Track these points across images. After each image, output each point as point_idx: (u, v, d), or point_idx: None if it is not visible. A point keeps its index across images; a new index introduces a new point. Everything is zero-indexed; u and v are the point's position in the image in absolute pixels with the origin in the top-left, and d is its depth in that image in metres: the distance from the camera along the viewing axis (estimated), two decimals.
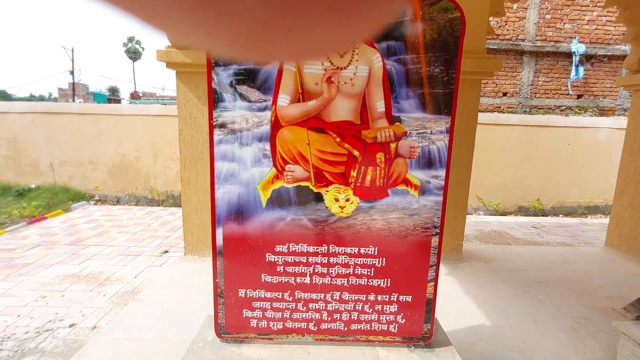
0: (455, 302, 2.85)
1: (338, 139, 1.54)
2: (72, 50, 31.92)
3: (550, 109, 9.58)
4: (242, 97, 1.51)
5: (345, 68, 1.48)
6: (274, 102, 1.51)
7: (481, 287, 3.18)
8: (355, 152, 1.55)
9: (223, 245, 1.64)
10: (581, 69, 8.97)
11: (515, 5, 8.93)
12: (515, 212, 7.73)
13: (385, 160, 1.55)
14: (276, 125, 1.53)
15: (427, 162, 1.56)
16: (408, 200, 1.60)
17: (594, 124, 7.52)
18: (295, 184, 1.58)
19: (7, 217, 5.55)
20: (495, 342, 2.37)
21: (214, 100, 1.51)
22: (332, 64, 1.48)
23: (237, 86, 1.51)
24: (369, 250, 1.65)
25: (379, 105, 1.51)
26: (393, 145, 1.54)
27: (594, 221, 7.05)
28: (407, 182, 1.58)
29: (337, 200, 1.60)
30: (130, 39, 43.50)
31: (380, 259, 1.66)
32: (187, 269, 3.41)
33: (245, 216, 1.60)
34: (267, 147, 1.54)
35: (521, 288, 3.21)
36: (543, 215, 7.70)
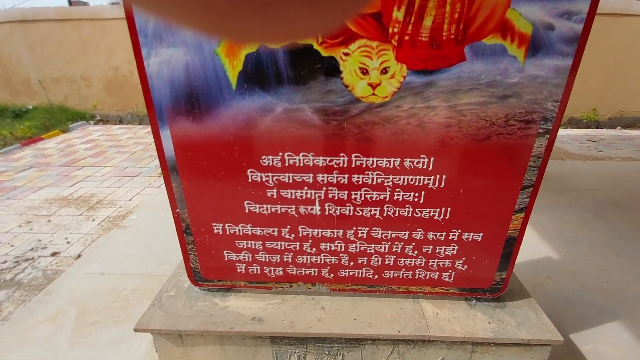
0: None
1: None
2: None
3: None
4: None
5: None
6: None
7: (542, 210, 2.54)
8: None
9: (176, 157, 1.00)
10: None
11: None
12: (565, 124, 6.67)
13: None
14: None
15: None
16: (502, 67, 0.83)
17: None
18: (287, 42, 0.83)
19: (1, 138, 5.17)
20: (569, 280, 1.81)
21: None
22: None
23: None
24: (419, 163, 0.97)
25: None
26: None
27: None
28: (505, 28, 0.80)
29: (365, 72, 0.86)
30: None
31: (438, 177, 0.98)
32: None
33: (205, 106, 0.91)
34: None
35: (592, 211, 2.55)
36: (597, 128, 6.63)
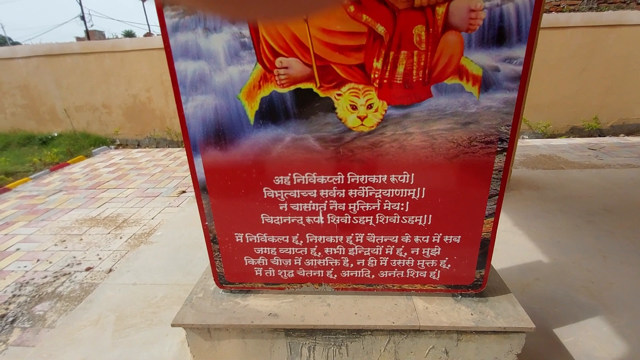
0: (504, 237, 2.42)
1: (352, 8, 0.98)
2: None
3: (624, 2, 7.78)
4: None
5: None
6: None
7: (534, 217, 2.69)
8: (380, 28, 0.99)
9: (206, 179, 1.24)
10: None
11: None
12: (567, 133, 6.78)
13: (428, 37, 0.99)
14: None
15: (497, 35, 0.98)
16: (462, 101, 1.06)
17: None
18: (293, 87, 1.08)
19: (31, 165, 5.57)
20: (556, 282, 1.97)
21: None
22: None
23: None
24: (402, 178, 1.19)
25: None
26: (441, 10, 0.96)
27: None
28: (461, 72, 1.03)
29: (354, 107, 1.09)
30: None
31: (418, 189, 1.20)
32: None
33: (229, 138, 1.16)
34: (246, 31, 1.02)
35: (583, 218, 2.69)
36: (600, 136, 6.71)
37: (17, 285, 2.53)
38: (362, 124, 1.12)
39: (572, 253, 2.23)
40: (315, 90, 1.08)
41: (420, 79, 1.04)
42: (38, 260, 2.87)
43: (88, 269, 2.70)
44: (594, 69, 6.49)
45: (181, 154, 6.18)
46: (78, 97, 7.23)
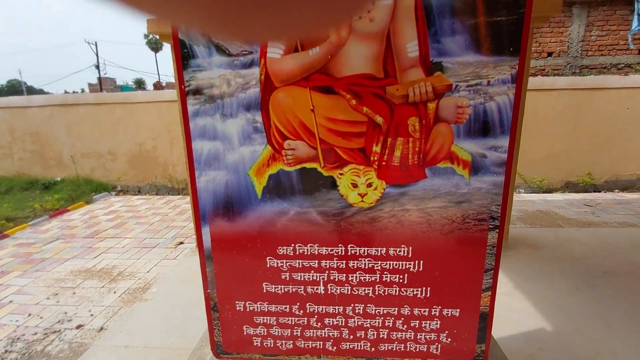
0: (505, 300, 2.40)
1: (353, 101, 1.10)
2: (96, 45, 32.64)
3: (604, 67, 8.42)
4: (220, 49, 1.10)
5: None
6: (263, 53, 1.09)
7: (534, 279, 2.68)
8: (378, 119, 1.11)
9: (212, 248, 1.28)
10: None
11: None
12: (562, 188, 6.93)
13: (421, 127, 1.11)
14: (268, 86, 1.12)
15: (482, 127, 1.10)
16: (454, 182, 1.15)
17: None
18: (299, 166, 1.17)
19: (31, 210, 5.59)
20: (560, 352, 1.92)
21: (183, 57, 1.11)
22: None
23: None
24: (400, 251, 1.24)
25: (411, 48, 1.05)
26: (432, 106, 1.09)
27: None
28: (452, 157, 1.13)
29: (355, 186, 1.18)
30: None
31: (416, 262, 1.24)
32: (198, 262, 3.15)
33: (237, 211, 1.23)
34: (258, 117, 1.14)
35: (584, 280, 2.68)
36: (595, 191, 6.85)
37: (9, 341, 2.45)
38: (362, 201, 1.19)
39: (575, 319, 2.20)
40: (319, 169, 1.17)
41: (416, 162, 1.14)
42: (29, 314, 2.79)
43: (79, 327, 2.62)
44: (582, 128, 6.82)
45: (181, 202, 6.24)
46: (86, 144, 7.47)
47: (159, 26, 2.77)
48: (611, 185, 6.98)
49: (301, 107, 1.12)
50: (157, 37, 2.82)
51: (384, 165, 1.15)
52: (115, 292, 3.09)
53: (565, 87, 6.67)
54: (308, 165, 1.17)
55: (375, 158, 1.15)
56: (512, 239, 3.45)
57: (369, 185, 1.17)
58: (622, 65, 8.37)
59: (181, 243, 4.20)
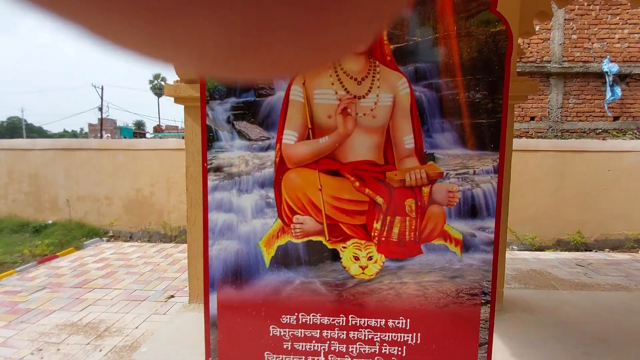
0: None
1: (357, 183, 1.24)
2: (102, 89, 34.04)
3: (584, 132, 9.03)
4: (241, 134, 1.26)
5: (364, 97, 1.22)
6: (279, 140, 1.25)
7: (531, 346, 2.67)
8: (379, 199, 1.25)
9: (218, 315, 1.33)
10: (618, 89, 8.45)
11: (537, 27, 8.72)
12: (554, 246, 7.03)
13: (417, 208, 1.24)
14: (281, 167, 1.26)
15: (471, 210, 1.23)
16: (447, 258, 1.25)
17: (636, 147, 6.91)
18: (305, 239, 1.28)
19: (19, 255, 5.47)
20: None
21: (209, 139, 1.27)
22: (347, 92, 1.22)
23: (235, 122, 1.26)
24: (399, 323, 1.29)
25: (407, 141, 1.22)
26: (426, 190, 1.23)
27: None
28: (445, 235, 1.25)
29: (357, 258, 1.27)
30: (156, 76, 46.17)
31: (414, 334, 1.30)
32: (190, 320, 3.08)
33: (245, 279, 1.30)
34: (271, 194, 1.27)
35: (579, 348, 2.67)
36: (586, 250, 6.94)
37: None
38: (363, 273, 1.28)
39: None
40: (324, 242, 1.27)
41: (412, 239, 1.26)
42: None
43: None
44: (568, 187, 7.11)
45: (173, 250, 6.16)
46: (83, 187, 7.51)
47: (175, 90, 3.03)
48: (601, 244, 7.10)
49: (310, 187, 1.25)
50: (173, 99, 3.07)
51: (384, 240, 1.26)
52: (101, 350, 2.96)
53: (549, 149, 7.09)
54: (314, 238, 1.27)
55: (376, 234, 1.26)
56: (508, 301, 3.46)
57: (370, 258, 1.27)
58: (600, 130, 9.00)
59: (172, 297, 4.10)
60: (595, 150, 7.11)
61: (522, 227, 6.94)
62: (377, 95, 1.21)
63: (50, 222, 7.46)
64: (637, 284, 4.73)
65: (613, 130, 8.98)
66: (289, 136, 1.25)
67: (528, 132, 9.04)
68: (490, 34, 1.17)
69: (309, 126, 1.23)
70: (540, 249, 6.88)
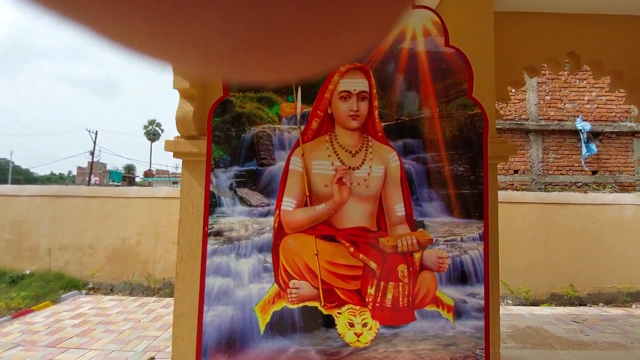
0: None
1: (351, 249, 1.30)
2: (96, 133, 34.43)
3: (566, 185, 9.40)
4: (243, 200, 1.33)
5: (358, 168, 1.33)
6: (278, 206, 1.32)
7: None
8: (372, 265, 1.30)
9: None
10: (593, 145, 9.00)
11: (513, 89, 9.47)
12: (549, 300, 6.92)
13: (409, 273, 1.29)
14: (280, 232, 1.32)
15: (460, 276, 1.29)
16: (440, 325, 1.27)
17: (616, 201, 7.17)
18: (301, 304, 1.29)
19: None
20: None
21: (211, 205, 1.33)
22: (343, 163, 1.33)
23: (237, 189, 1.34)
24: None
25: (398, 209, 1.31)
26: (417, 256, 1.29)
27: None
28: (437, 301, 1.28)
29: (351, 325, 1.28)
30: (151, 122, 47.16)
31: None
32: None
33: (239, 346, 1.28)
34: (269, 258, 1.31)
35: None
36: (580, 304, 6.84)
37: None
38: (358, 340, 1.28)
39: None
40: (319, 308, 1.29)
41: (406, 305, 1.28)
42: None
43: None
44: (556, 239, 7.18)
45: (156, 305, 5.85)
46: (67, 235, 7.28)
47: (175, 146, 3.14)
48: (595, 298, 7.02)
49: (307, 251, 1.30)
50: (172, 153, 3.17)
51: (378, 306, 1.29)
52: None
53: (534, 201, 7.31)
54: (310, 303, 1.29)
55: (370, 299, 1.29)
56: None
57: (365, 325, 1.28)
58: (581, 183, 9.41)
59: (152, 358, 3.83)
60: (579, 202, 7.33)
61: (516, 280, 6.87)
62: (370, 167, 1.32)
63: (27, 272, 7.09)
64: (634, 341, 4.64)
65: (593, 184, 9.39)
66: (288, 203, 1.32)
67: (513, 184, 9.39)
68: (468, 116, 1.32)
69: (307, 194, 1.32)
70: (535, 303, 6.77)
